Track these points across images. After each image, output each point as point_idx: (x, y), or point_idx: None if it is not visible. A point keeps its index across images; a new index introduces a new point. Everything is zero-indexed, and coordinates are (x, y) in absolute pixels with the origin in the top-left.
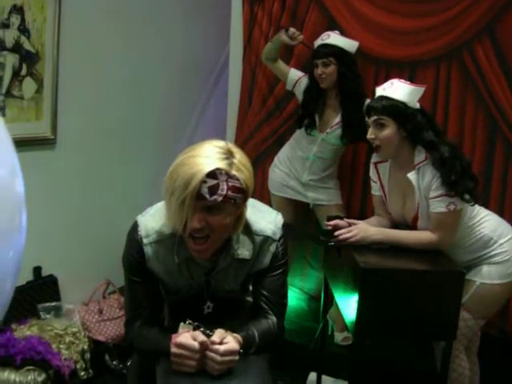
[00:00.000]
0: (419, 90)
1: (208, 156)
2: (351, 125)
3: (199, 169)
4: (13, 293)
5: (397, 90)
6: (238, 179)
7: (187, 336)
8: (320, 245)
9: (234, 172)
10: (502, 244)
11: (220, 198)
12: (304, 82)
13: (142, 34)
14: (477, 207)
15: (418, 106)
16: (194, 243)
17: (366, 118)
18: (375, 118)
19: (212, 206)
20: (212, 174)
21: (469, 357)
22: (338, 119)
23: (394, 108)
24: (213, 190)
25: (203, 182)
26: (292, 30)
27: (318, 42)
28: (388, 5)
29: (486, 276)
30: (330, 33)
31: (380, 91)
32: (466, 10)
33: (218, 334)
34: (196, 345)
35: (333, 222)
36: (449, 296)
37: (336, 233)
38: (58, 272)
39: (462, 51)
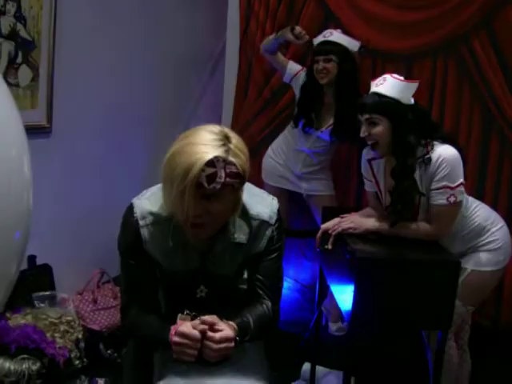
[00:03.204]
0: (413, 86)
1: (205, 144)
2: (343, 122)
3: (197, 157)
4: (17, 277)
5: (389, 86)
6: (234, 164)
7: (188, 325)
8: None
9: (230, 158)
10: (494, 232)
11: (218, 186)
12: (302, 76)
13: (139, 23)
14: (468, 197)
15: (412, 101)
16: (193, 226)
17: (359, 116)
18: (367, 116)
19: (211, 194)
20: (210, 163)
21: (461, 346)
22: (333, 119)
23: (386, 105)
24: (211, 178)
25: (202, 170)
26: (298, 29)
27: (319, 39)
28: None
29: (478, 263)
30: (332, 30)
31: (373, 87)
32: (463, 3)
33: (211, 318)
34: (197, 334)
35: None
36: (444, 286)
37: (324, 226)
38: (53, 261)
39: (459, 44)
